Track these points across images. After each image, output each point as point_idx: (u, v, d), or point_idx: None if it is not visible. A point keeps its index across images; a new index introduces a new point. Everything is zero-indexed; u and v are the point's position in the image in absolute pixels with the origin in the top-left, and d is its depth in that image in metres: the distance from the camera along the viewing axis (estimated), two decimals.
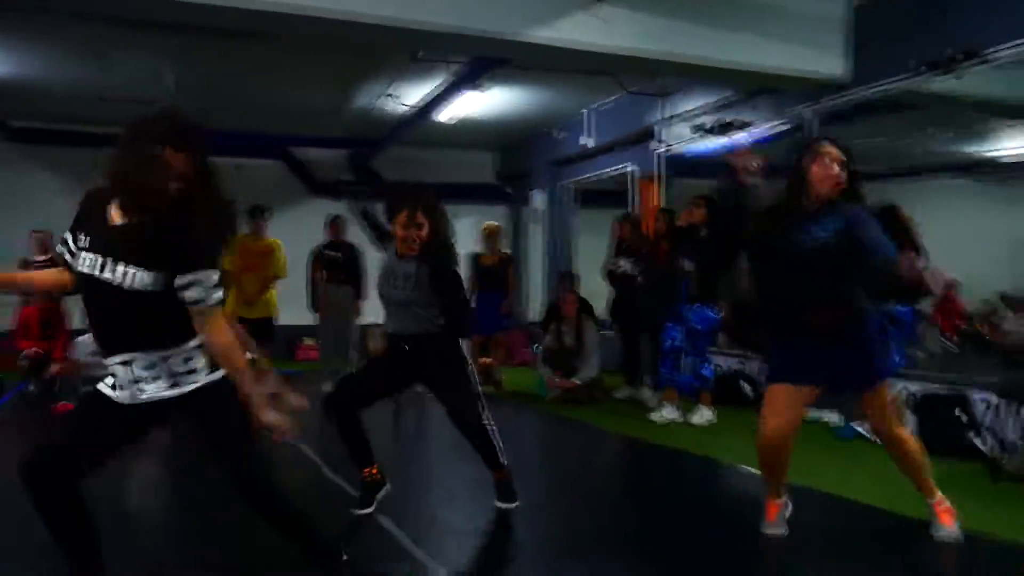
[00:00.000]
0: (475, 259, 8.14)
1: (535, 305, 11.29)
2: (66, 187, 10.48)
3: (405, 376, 3.92)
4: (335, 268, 7.95)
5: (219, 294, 2.45)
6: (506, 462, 3.87)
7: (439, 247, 3.72)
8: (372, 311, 8.13)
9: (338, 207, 10.78)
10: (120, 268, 2.37)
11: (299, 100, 9.20)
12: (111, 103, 8.90)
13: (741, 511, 3.83)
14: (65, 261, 2.51)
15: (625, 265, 7.26)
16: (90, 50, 7.38)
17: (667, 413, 6.37)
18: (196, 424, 2.59)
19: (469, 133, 10.92)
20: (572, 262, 10.57)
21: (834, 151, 3.28)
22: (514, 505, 3.88)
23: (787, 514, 3.56)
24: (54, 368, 7.90)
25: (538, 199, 11.48)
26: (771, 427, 3.35)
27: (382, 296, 3.87)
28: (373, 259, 7.62)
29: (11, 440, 6.20)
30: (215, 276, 2.44)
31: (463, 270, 4.12)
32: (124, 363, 2.46)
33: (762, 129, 7.15)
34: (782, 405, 3.34)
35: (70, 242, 2.49)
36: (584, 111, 9.93)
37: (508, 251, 8.24)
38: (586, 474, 5.15)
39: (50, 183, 10.41)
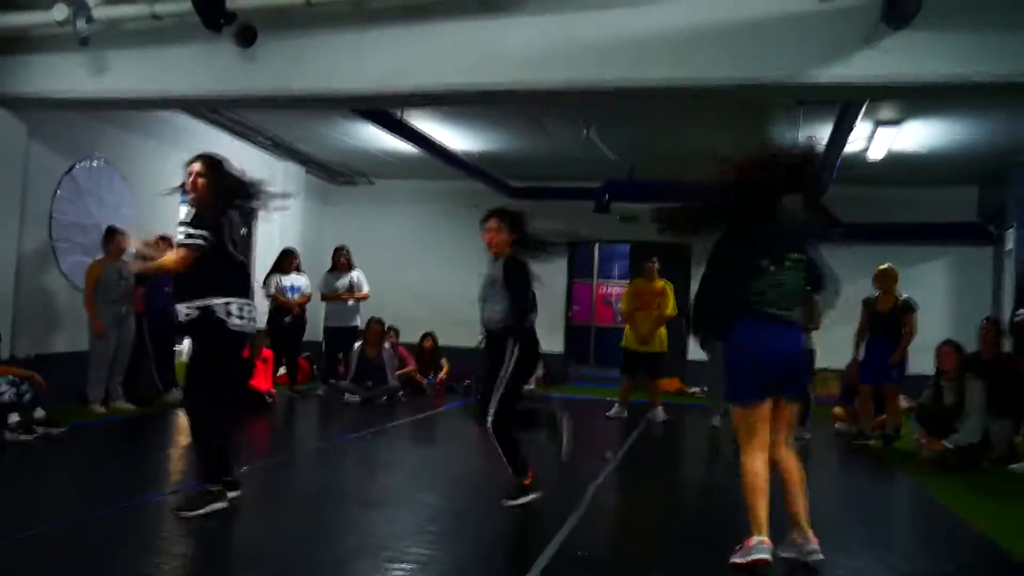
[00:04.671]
0: (869, 303, 7.68)
1: None
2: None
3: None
4: None
5: None
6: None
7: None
8: None
9: None
10: None
11: (714, 147, 9.70)
12: (574, 163, 10.71)
13: None
14: None
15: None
16: (534, 124, 9.08)
17: None
18: None
19: (936, 166, 10.12)
20: None
21: None
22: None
23: None
24: None
25: (1010, 238, 9.95)
26: None
27: None
28: None
29: (429, 428, 8.10)
30: None
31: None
32: None
33: None
34: None
35: None
36: None
37: (906, 296, 7.54)
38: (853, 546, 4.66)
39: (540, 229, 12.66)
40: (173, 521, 4.13)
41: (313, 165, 11.95)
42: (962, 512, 5.03)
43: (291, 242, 11.81)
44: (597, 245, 15.39)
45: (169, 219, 9.23)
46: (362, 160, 11.78)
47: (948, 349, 6.63)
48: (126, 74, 6.12)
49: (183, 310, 4.13)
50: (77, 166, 7.73)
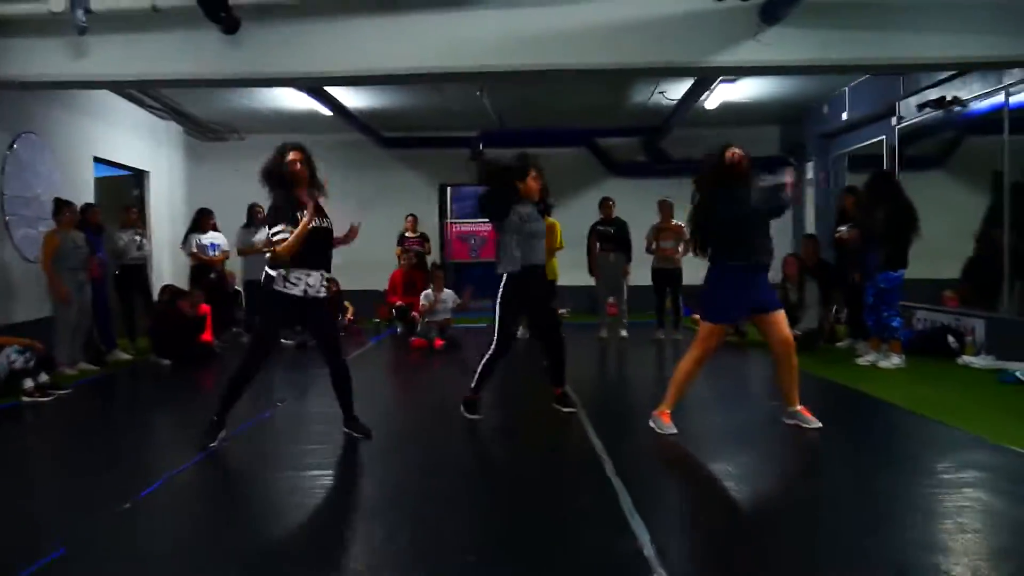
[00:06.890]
0: None
1: None
2: (424, 179, 13.78)
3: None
4: (607, 240, 9.94)
5: None
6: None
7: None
8: (639, 275, 10.18)
9: (631, 185, 12.85)
10: None
11: (586, 101, 11.26)
12: (449, 115, 11.82)
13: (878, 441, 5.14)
14: None
15: (843, 232, 8.31)
16: (433, 86, 10.11)
17: (870, 357, 7.50)
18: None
19: (754, 111, 12.20)
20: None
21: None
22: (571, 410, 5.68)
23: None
24: (414, 315, 10.95)
25: (810, 168, 12.38)
26: None
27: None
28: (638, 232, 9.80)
29: (376, 360, 9.18)
30: None
31: None
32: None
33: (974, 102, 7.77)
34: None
35: None
36: (846, 88, 10.79)
37: None
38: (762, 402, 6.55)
39: (413, 177, 13.73)
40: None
41: (191, 124, 12.21)
42: (807, 368, 7.10)
43: (176, 200, 12.14)
44: (448, 188, 16.62)
45: (84, 185, 9.48)
46: (236, 116, 12.16)
47: (791, 259, 8.70)
48: (109, 58, 6.55)
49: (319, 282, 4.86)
50: (17, 142, 7.93)
